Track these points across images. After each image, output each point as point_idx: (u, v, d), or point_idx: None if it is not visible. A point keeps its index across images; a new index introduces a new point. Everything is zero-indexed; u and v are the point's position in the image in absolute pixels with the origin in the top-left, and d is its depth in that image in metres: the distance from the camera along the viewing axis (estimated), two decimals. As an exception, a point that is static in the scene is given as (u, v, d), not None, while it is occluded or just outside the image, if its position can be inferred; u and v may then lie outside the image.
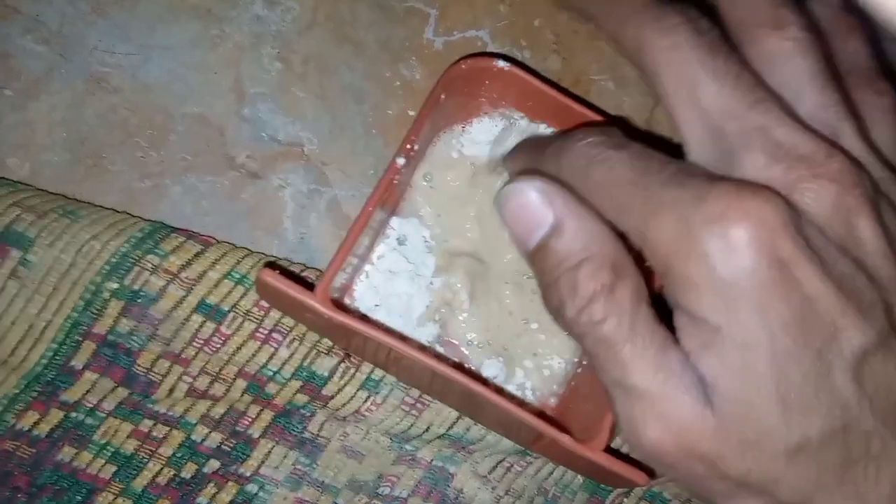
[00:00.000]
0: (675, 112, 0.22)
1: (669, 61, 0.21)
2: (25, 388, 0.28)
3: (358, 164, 0.34)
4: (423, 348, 0.26)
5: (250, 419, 0.30)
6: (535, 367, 0.30)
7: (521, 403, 0.27)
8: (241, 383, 0.29)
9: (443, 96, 0.30)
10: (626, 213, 0.21)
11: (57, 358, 0.28)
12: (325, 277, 0.25)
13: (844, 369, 0.19)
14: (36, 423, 0.28)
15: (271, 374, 0.29)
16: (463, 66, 0.30)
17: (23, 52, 0.32)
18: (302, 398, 0.29)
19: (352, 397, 0.30)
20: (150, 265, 0.28)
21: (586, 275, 0.21)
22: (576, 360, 0.30)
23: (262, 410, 0.30)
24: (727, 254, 0.18)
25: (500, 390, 0.29)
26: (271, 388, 0.29)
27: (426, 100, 0.29)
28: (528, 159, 0.26)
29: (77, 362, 0.28)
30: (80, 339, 0.28)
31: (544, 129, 0.32)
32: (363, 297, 0.30)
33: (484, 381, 0.28)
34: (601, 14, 0.25)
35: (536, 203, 0.22)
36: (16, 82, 0.32)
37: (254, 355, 0.29)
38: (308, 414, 0.30)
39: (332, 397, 0.29)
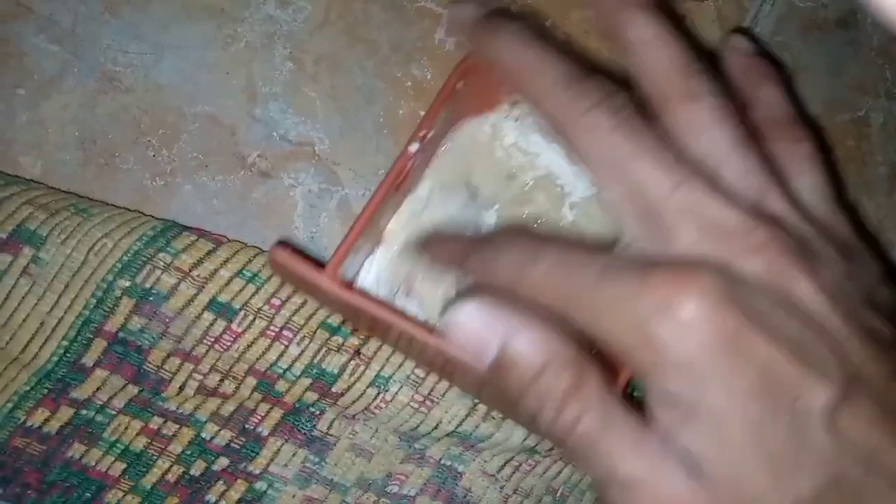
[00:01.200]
0: (605, 192, 0.22)
1: (593, 144, 0.22)
2: (36, 386, 0.28)
3: (368, 164, 0.34)
4: (432, 331, 0.26)
5: (260, 417, 0.30)
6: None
7: None
8: (251, 381, 0.29)
9: (459, 85, 0.30)
10: (573, 310, 0.21)
11: (68, 355, 0.28)
12: (334, 257, 0.25)
13: (819, 426, 0.19)
14: (46, 421, 0.28)
15: (281, 371, 0.29)
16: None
17: (36, 51, 0.32)
18: (312, 396, 0.29)
19: (361, 394, 0.30)
20: (161, 263, 0.28)
21: (550, 380, 0.21)
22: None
23: (271, 408, 0.30)
24: (679, 339, 0.19)
25: None
26: (281, 385, 0.29)
27: (442, 87, 0.29)
28: (460, 260, 0.25)
29: (88, 360, 0.28)
30: (91, 336, 0.28)
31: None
32: (378, 279, 0.30)
33: None
34: (518, 72, 0.24)
35: (481, 324, 0.21)
36: (29, 81, 0.32)
37: (264, 353, 0.29)
38: (317, 412, 0.30)
39: (342, 395, 0.29)
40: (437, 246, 0.27)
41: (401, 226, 0.31)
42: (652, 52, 0.23)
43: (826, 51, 0.43)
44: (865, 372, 0.19)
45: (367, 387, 0.29)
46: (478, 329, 0.21)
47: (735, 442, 0.19)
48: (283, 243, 0.30)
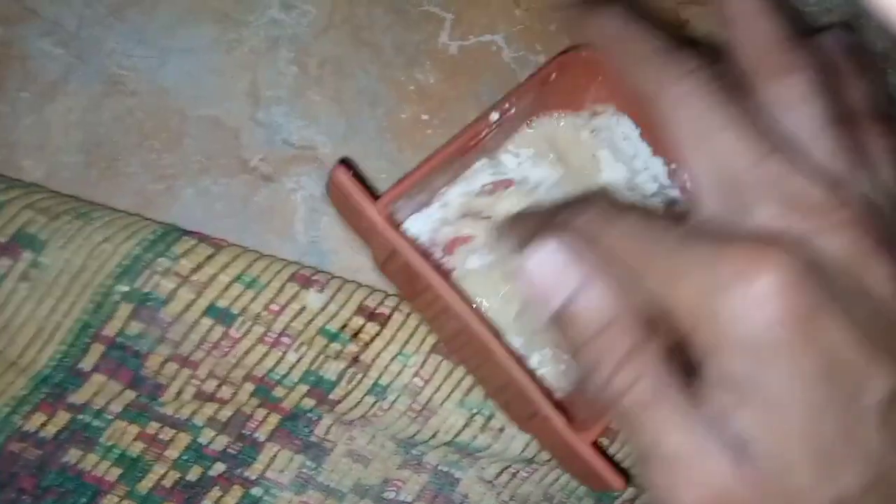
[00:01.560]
0: (689, 161, 0.22)
1: (681, 112, 0.22)
2: (33, 390, 0.28)
3: (371, 168, 0.34)
4: (457, 294, 0.26)
5: (257, 422, 0.29)
6: (554, 358, 0.30)
7: (531, 375, 0.26)
8: (249, 387, 0.29)
9: (553, 76, 0.30)
10: (642, 279, 0.21)
11: (65, 360, 0.28)
12: (389, 191, 0.26)
13: (872, 418, 0.18)
14: (43, 425, 0.28)
15: (279, 378, 0.29)
16: (583, 56, 0.30)
17: (41, 54, 0.32)
18: (309, 402, 0.29)
19: (358, 402, 0.29)
20: (160, 268, 0.28)
21: (615, 336, 0.21)
22: None
23: (268, 414, 0.29)
24: (749, 313, 0.18)
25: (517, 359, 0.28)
26: (279, 391, 0.29)
27: (536, 71, 0.30)
28: (534, 230, 0.25)
29: (85, 364, 0.28)
30: (89, 341, 0.28)
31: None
32: (420, 234, 0.30)
33: (510, 348, 0.27)
34: (615, 52, 0.25)
35: (561, 263, 0.22)
36: (33, 84, 0.32)
37: (262, 359, 0.29)
38: (315, 418, 0.30)
39: (339, 402, 0.29)
40: (520, 223, 0.27)
41: (457, 192, 0.31)
42: (752, 25, 0.23)
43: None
44: None
45: (365, 395, 0.29)
46: (554, 269, 0.22)
47: (790, 428, 0.18)
48: (346, 164, 0.30)
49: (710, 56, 0.24)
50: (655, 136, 0.31)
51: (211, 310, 0.28)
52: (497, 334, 0.28)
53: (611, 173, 0.32)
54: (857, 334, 0.18)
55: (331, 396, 0.29)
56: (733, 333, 0.19)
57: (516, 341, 0.30)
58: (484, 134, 0.29)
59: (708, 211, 0.22)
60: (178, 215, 0.31)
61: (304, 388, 0.29)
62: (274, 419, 0.29)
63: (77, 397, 0.28)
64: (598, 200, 0.23)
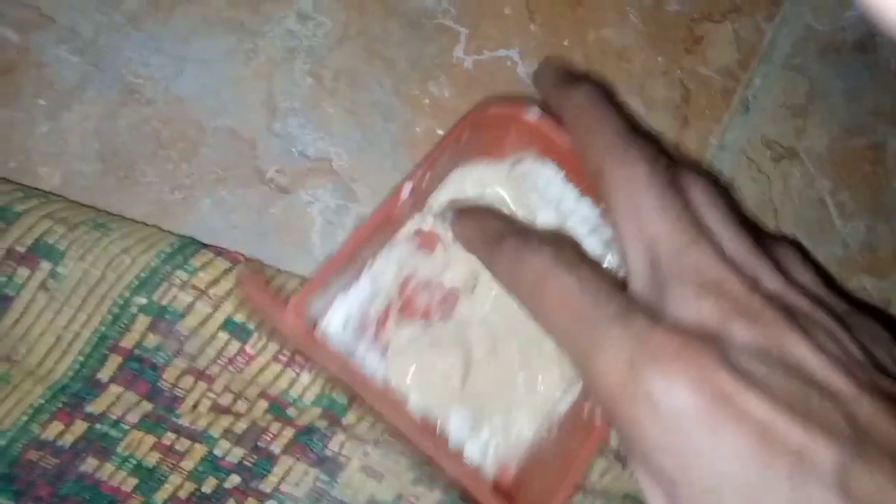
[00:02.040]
0: (622, 238, 0.23)
1: (623, 190, 0.23)
2: (51, 399, 0.28)
3: (385, 181, 0.34)
4: (384, 397, 0.26)
5: (272, 435, 0.30)
6: (504, 426, 0.30)
7: (473, 470, 0.26)
8: (264, 403, 0.29)
9: (465, 134, 0.29)
10: (570, 344, 0.21)
11: (83, 370, 0.28)
12: (301, 292, 0.25)
13: (828, 489, 0.18)
14: (60, 434, 0.28)
15: (292, 399, 0.29)
16: (490, 112, 0.29)
17: (57, 61, 0.32)
18: (322, 423, 0.30)
19: (371, 426, 0.30)
20: (178, 281, 0.28)
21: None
22: (545, 433, 0.30)
23: (283, 428, 0.30)
24: (669, 394, 0.18)
25: (456, 455, 0.28)
26: (292, 411, 0.29)
27: (446, 135, 0.29)
28: (480, 244, 0.27)
29: (103, 375, 0.28)
30: (107, 352, 0.28)
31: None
32: (346, 319, 0.29)
33: (442, 440, 0.28)
34: (571, 123, 0.27)
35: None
36: (49, 92, 0.32)
37: (276, 379, 0.29)
38: (329, 434, 0.30)
39: (353, 425, 0.30)
40: (471, 220, 0.28)
41: (382, 267, 0.30)
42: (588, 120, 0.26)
43: (844, 75, 0.42)
44: (877, 429, 0.18)
45: (377, 422, 0.29)
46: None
47: None
48: (253, 261, 0.30)
49: (659, 147, 0.25)
50: (581, 178, 0.31)
51: (228, 324, 0.29)
52: (431, 427, 0.29)
53: (543, 217, 0.32)
54: (787, 405, 0.18)
55: (344, 421, 0.29)
56: (653, 413, 0.19)
57: (458, 419, 0.29)
58: (399, 207, 0.28)
59: (636, 287, 0.23)
60: (194, 225, 0.32)
61: (317, 410, 0.29)
62: (289, 433, 0.30)
63: (94, 407, 0.28)
64: (551, 243, 0.23)
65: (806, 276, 0.24)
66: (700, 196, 0.23)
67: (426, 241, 0.32)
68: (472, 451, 0.29)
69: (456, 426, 0.29)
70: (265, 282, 0.25)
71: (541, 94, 0.32)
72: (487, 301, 0.31)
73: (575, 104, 0.27)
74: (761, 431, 0.18)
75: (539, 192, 0.32)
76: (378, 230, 0.28)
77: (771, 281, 0.22)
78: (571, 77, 0.30)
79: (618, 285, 0.22)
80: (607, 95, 0.28)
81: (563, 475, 0.24)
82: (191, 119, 0.33)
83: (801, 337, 0.20)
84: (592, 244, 0.32)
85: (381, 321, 0.30)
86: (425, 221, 0.31)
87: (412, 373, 0.30)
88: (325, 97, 0.34)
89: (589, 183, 0.26)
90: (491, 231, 0.26)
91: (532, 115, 0.29)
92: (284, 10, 0.34)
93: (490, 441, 0.30)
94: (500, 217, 0.29)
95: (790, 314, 0.20)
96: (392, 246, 0.30)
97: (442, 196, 0.31)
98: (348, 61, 0.35)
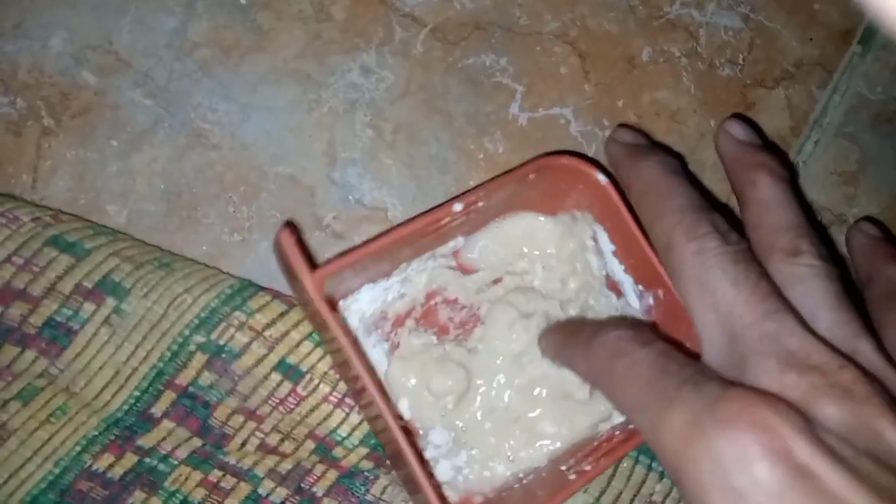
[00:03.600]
0: (693, 313, 0.23)
1: (694, 264, 0.23)
2: (104, 431, 0.29)
3: (437, 233, 0.35)
4: (378, 384, 0.26)
5: (316, 477, 0.30)
6: (481, 459, 0.30)
7: (437, 486, 0.26)
8: (310, 444, 0.30)
9: (532, 176, 0.30)
10: (640, 411, 0.21)
11: (138, 404, 0.29)
12: (331, 263, 0.26)
13: None
14: (111, 466, 0.29)
15: (340, 438, 0.30)
16: (563, 161, 0.30)
17: (132, 104, 0.34)
18: (367, 464, 0.30)
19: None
20: (236, 321, 0.29)
21: None
22: (520, 476, 0.30)
23: (327, 470, 0.30)
24: (741, 462, 0.18)
25: (425, 463, 0.28)
26: (339, 451, 0.30)
27: (514, 169, 0.30)
28: (560, 345, 0.27)
29: (156, 410, 0.29)
30: (163, 388, 0.29)
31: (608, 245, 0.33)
32: (364, 309, 0.31)
33: (420, 449, 0.28)
34: (641, 193, 0.27)
35: None
36: (122, 133, 0.33)
37: (325, 419, 0.29)
38: (372, 477, 0.30)
39: (399, 466, 0.30)
40: (554, 336, 0.28)
41: (415, 274, 0.31)
42: (769, 211, 0.25)
43: (895, 144, 0.42)
44: None
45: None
46: None
47: None
48: (292, 225, 0.31)
49: (730, 219, 0.25)
50: (628, 254, 0.31)
51: (281, 365, 0.29)
52: (413, 431, 0.29)
53: (586, 279, 0.33)
54: (870, 492, 0.17)
55: (388, 462, 0.30)
56: (720, 481, 0.18)
57: (440, 436, 0.30)
58: (445, 221, 0.29)
59: (710, 362, 0.22)
60: (252, 267, 0.33)
61: (363, 450, 0.30)
62: (332, 475, 0.30)
63: (145, 441, 0.29)
64: (626, 327, 0.23)
65: None
66: (785, 269, 0.23)
67: (463, 266, 0.33)
68: (444, 470, 0.30)
69: (435, 442, 0.30)
70: (300, 242, 0.26)
71: (610, 160, 0.32)
72: (505, 342, 0.31)
73: (646, 174, 0.27)
74: None
75: (590, 255, 0.33)
76: (420, 236, 0.29)
77: (869, 356, 0.21)
78: (645, 145, 0.30)
79: (691, 360, 0.21)
80: (681, 167, 0.28)
81: None
82: (253, 164, 0.34)
83: (889, 421, 0.19)
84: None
85: (399, 322, 0.31)
86: (469, 249, 0.32)
87: (411, 380, 0.30)
88: (383, 149, 0.35)
89: (658, 256, 0.26)
90: (569, 329, 0.27)
91: (602, 177, 0.30)
92: (349, 64, 0.36)
93: (464, 468, 0.30)
94: (579, 319, 0.29)
95: (882, 393, 0.19)
96: (431, 257, 0.31)
97: (489, 236, 0.33)
98: (408, 115, 0.36)
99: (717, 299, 0.22)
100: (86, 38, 0.34)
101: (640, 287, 0.32)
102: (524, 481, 0.30)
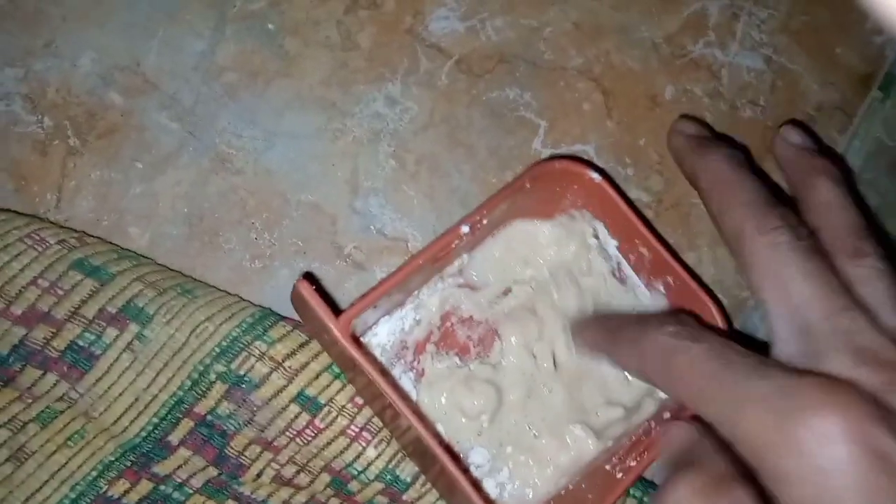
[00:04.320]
0: (766, 305, 0.23)
1: (767, 258, 0.23)
2: (121, 457, 0.29)
3: (457, 265, 0.35)
4: (416, 412, 0.26)
5: (329, 510, 0.30)
6: (523, 473, 0.30)
7: (487, 499, 0.26)
8: (326, 477, 0.30)
9: (528, 185, 0.31)
10: (710, 405, 0.21)
11: (156, 432, 0.29)
12: (353, 307, 0.26)
13: None
14: (126, 492, 0.29)
15: (356, 472, 0.30)
16: (556, 166, 0.31)
17: (157, 126, 0.34)
18: (382, 500, 0.30)
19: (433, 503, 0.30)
20: (257, 352, 0.29)
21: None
22: (565, 482, 0.30)
23: (342, 503, 0.30)
24: (824, 445, 0.18)
25: (476, 484, 0.28)
26: (354, 485, 0.30)
27: (511, 182, 0.31)
28: (602, 341, 0.27)
29: (174, 438, 0.29)
30: (181, 416, 0.29)
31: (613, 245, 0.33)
32: (385, 341, 0.31)
33: (464, 469, 0.28)
34: (709, 183, 0.27)
35: None
36: (147, 155, 0.33)
37: (342, 452, 0.29)
38: (385, 512, 0.30)
39: (414, 502, 0.30)
40: (590, 333, 0.28)
41: (427, 298, 0.32)
42: (831, 213, 0.25)
43: (912, 190, 0.43)
44: None
45: (438, 500, 0.30)
46: None
47: None
48: (309, 275, 0.32)
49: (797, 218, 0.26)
50: (632, 247, 0.32)
51: (299, 397, 0.29)
52: (455, 455, 0.29)
53: (594, 276, 0.33)
54: None
55: (404, 497, 0.30)
56: (804, 466, 0.18)
57: (480, 456, 0.30)
58: (455, 245, 0.30)
59: (780, 354, 0.23)
60: (272, 294, 0.33)
61: (379, 485, 0.30)
62: (346, 509, 0.30)
63: (161, 468, 0.29)
64: (674, 322, 0.24)
65: (886, 309, 0.23)
66: (852, 271, 0.23)
67: (470, 283, 0.33)
68: (489, 489, 0.30)
69: (476, 463, 0.30)
70: (319, 292, 0.26)
71: (674, 153, 0.33)
72: (527, 351, 0.32)
73: (714, 167, 0.27)
74: None
75: (591, 253, 0.33)
76: (432, 262, 0.29)
77: None
78: (709, 137, 0.31)
79: (750, 351, 0.22)
80: (746, 160, 0.28)
81: None
82: (277, 191, 0.34)
83: None
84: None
85: (420, 349, 0.32)
86: (473, 266, 0.33)
87: (442, 404, 0.31)
88: (406, 179, 0.35)
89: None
90: (608, 325, 0.27)
91: (595, 175, 0.31)
92: (374, 93, 0.36)
93: (507, 484, 0.30)
94: (616, 314, 0.30)
95: None
96: (439, 279, 0.32)
97: (492, 248, 0.33)
98: (431, 146, 0.36)
99: (790, 293, 0.22)
100: (114, 58, 0.34)
101: (649, 277, 0.32)
102: (570, 487, 0.30)
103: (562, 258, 0.33)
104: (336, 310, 0.26)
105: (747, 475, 0.21)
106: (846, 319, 0.21)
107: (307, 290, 0.26)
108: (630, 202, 0.32)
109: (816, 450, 0.18)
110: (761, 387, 0.20)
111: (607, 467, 0.29)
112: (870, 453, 0.18)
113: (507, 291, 0.33)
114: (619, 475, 0.28)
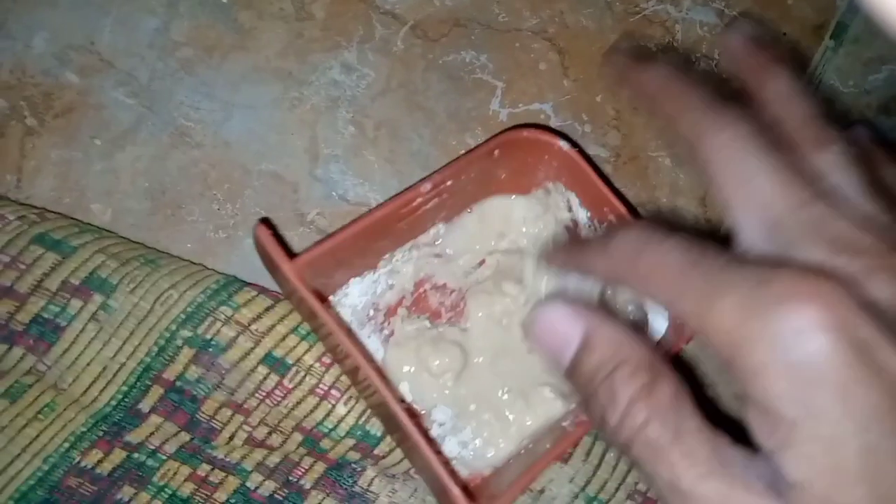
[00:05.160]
0: (730, 202, 0.22)
1: (728, 155, 0.22)
2: (93, 427, 0.29)
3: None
4: (377, 369, 0.26)
5: (303, 470, 0.30)
6: (486, 433, 0.31)
7: (445, 461, 0.26)
8: (298, 436, 0.30)
9: (496, 153, 0.31)
10: (681, 298, 0.20)
11: (126, 400, 0.29)
12: (308, 251, 0.26)
13: None
14: (99, 462, 0.29)
15: (327, 430, 0.30)
16: (525, 134, 0.31)
17: (114, 103, 0.34)
18: (354, 455, 0.30)
19: (402, 458, 0.30)
20: (223, 316, 0.29)
21: (622, 379, 0.20)
22: (525, 443, 0.30)
23: (315, 462, 0.30)
24: (800, 336, 0.17)
25: (437, 449, 0.28)
26: (326, 443, 0.30)
27: (477, 146, 0.30)
28: (571, 255, 0.26)
29: (144, 405, 0.29)
30: (150, 383, 0.29)
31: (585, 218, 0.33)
32: (356, 302, 0.31)
33: (425, 429, 0.28)
34: (661, 96, 0.26)
35: (563, 322, 0.22)
36: (105, 132, 0.34)
37: (312, 411, 0.30)
38: (359, 469, 0.30)
39: (384, 457, 0.30)
40: (560, 252, 0.27)
41: (401, 264, 0.32)
42: (790, 103, 0.24)
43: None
44: None
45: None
46: (561, 324, 0.22)
47: (846, 473, 0.17)
48: (267, 221, 0.32)
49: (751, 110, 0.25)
50: (602, 217, 0.32)
51: (267, 359, 0.30)
52: (415, 413, 0.30)
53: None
54: None
55: (376, 451, 0.30)
56: (779, 358, 0.17)
57: (443, 414, 0.31)
58: (417, 203, 0.30)
59: (750, 250, 0.21)
60: (237, 264, 0.33)
61: (350, 441, 0.30)
62: (320, 468, 0.30)
63: (134, 436, 0.29)
64: (639, 225, 0.23)
65: (858, 193, 0.22)
66: (816, 160, 0.22)
67: (444, 254, 0.33)
68: (451, 447, 0.30)
69: (439, 421, 0.31)
70: (277, 236, 0.27)
71: (614, 69, 0.32)
72: (496, 319, 0.32)
73: (660, 75, 0.26)
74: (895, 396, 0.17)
75: (564, 227, 0.33)
76: (395, 220, 0.29)
77: None
78: (647, 59, 0.28)
79: (723, 248, 0.21)
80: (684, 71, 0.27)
81: (520, 477, 0.25)
82: (237, 162, 0.34)
83: None
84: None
85: (391, 312, 0.32)
86: (449, 238, 0.33)
87: (409, 363, 0.31)
88: (366, 145, 0.36)
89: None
90: (577, 240, 0.26)
91: (564, 144, 0.31)
92: (330, 62, 0.36)
93: (469, 443, 0.31)
94: (576, 241, 0.28)
95: None
96: (414, 247, 0.32)
97: (468, 222, 0.33)
98: (389, 111, 0.36)
99: (756, 187, 0.21)
100: (68, 38, 0.34)
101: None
102: (529, 446, 0.30)
103: (535, 232, 0.34)
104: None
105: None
106: (817, 209, 0.20)
107: (264, 234, 0.26)
108: (599, 171, 0.32)
109: (791, 341, 0.17)
110: (734, 279, 0.19)
111: (564, 424, 0.30)
112: (849, 343, 0.17)
113: (481, 263, 0.34)
114: (571, 429, 0.28)
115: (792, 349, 0.17)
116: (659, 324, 0.31)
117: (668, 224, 0.24)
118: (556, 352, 0.22)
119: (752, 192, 0.21)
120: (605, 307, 0.28)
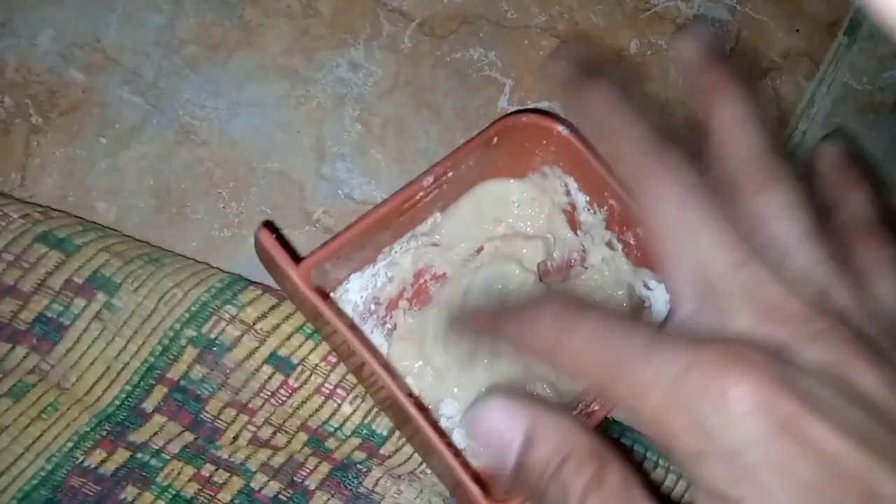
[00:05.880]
0: (668, 260, 0.22)
1: (667, 207, 0.21)
2: (96, 427, 0.29)
3: (427, 226, 0.35)
4: (385, 366, 0.26)
5: (308, 470, 0.30)
6: None
7: (456, 452, 0.26)
8: (303, 436, 0.30)
9: (495, 139, 0.30)
10: (611, 386, 0.20)
11: (129, 400, 0.29)
12: (314, 254, 0.26)
13: None
14: (103, 462, 0.29)
15: (332, 429, 0.30)
16: (523, 119, 0.31)
17: (120, 101, 0.34)
18: (360, 455, 0.30)
19: (408, 458, 0.30)
20: (227, 315, 0.29)
21: (570, 473, 0.20)
22: None
23: (320, 463, 0.30)
24: (729, 425, 0.18)
25: (449, 441, 0.28)
26: (331, 442, 0.30)
27: (477, 135, 0.30)
28: (484, 323, 0.25)
29: (148, 405, 0.29)
30: (154, 382, 0.29)
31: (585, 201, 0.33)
32: (357, 297, 0.31)
33: (434, 421, 0.28)
34: (602, 127, 0.25)
35: (502, 419, 0.21)
36: (111, 130, 0.33)
37: (317, 410, 0.29)
38: (364, 469, 0.30)
39: (390, 457, 0.30)
40: (472, 317, 0.26)
41: (400, 256, 0.32)
42: (731, 139, 0.23)
43: (881, 134, 0.43)
44: None
45: (414, 452, 0.30)
46: (500, 427, 0.21)
47: None
48: (270, 224, 0.31)
49: (696, 148, 0.23)
50: (602, 201, 0.32)
51: (272, 358, 0.29)
52: (424, 408, 0.29)
53: (564, 234, 0.33)
54: (853, 439, 0.17)
55: (381, 451, 0.30)
56: (713, 446, 0.18)
57: (450, 407, 0.30)
58: (419, 196, 0.30)
59: (684, 313, 0.21)
60: (242, 262, 0.33)
61: (356, 440, 0.30)
62: (325, 468, 0.30)
63: (137, 436, 0.29)
64: (556, 300, 0.22)
65: (892, 299, 0.22)
66: (759, 202, 0.21)
67: (441, 242, 0.33)
68: (459, 439, 0.30)
69: (447, 414, 0.30)
70: (280, 239, 0.26)
71: (554, 80, 0.31)
72: None
73: (601, 100, 0.24)
74: (827, 463, 0.17)
75: (561, 211, 0.33)
76: (397, 215, 0.29)
77: (842, 296, 0.20)
78: (587, 75, 0.27)
79: (642, 323, 0.21)
80: (627, 94, 0.25)
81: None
82: (243, 160, 0.34)
83: (867, 364, 0.19)
84: (619, 298, 0.32)
85: (392, 305, 0.31)
86: (446, 224, 0.32)
87: (413, 358, 0.31)
88: (373, 143, 0.35)
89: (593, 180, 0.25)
90: (491, 308, 0.25)
91: (563, 128, 0.30)
92: (337, 59, 0.36)
93: (468, 440, 0.30)
94: (494, 309, 0.26)
95: (854, 338, 0.19)
96: (412, 238, 0.32)
97: (464, 209, 0.33)
98: (396, 110, 0.36)
99: (690, 246, 0.21)
100: (73, 35, 0.34)
101: (619, 229, 0.32)
102: None
103: (533, 216, 0.33)
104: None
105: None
106: (748, 272, 0.20)
107: (267, 238, 0.26)
108: (598, 154, 0.32)
109: (721, 430, 0.18)
110: (660, 366, 0.19)
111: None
112: (774, 422, 0.17)
113: (480, 250, 0.33)
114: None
115: (724, 438, 0.18)
116: (660, 305, 0.31)
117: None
118: (499, 452, 0.21)
119: (688, 251, 0.21)
120: None
